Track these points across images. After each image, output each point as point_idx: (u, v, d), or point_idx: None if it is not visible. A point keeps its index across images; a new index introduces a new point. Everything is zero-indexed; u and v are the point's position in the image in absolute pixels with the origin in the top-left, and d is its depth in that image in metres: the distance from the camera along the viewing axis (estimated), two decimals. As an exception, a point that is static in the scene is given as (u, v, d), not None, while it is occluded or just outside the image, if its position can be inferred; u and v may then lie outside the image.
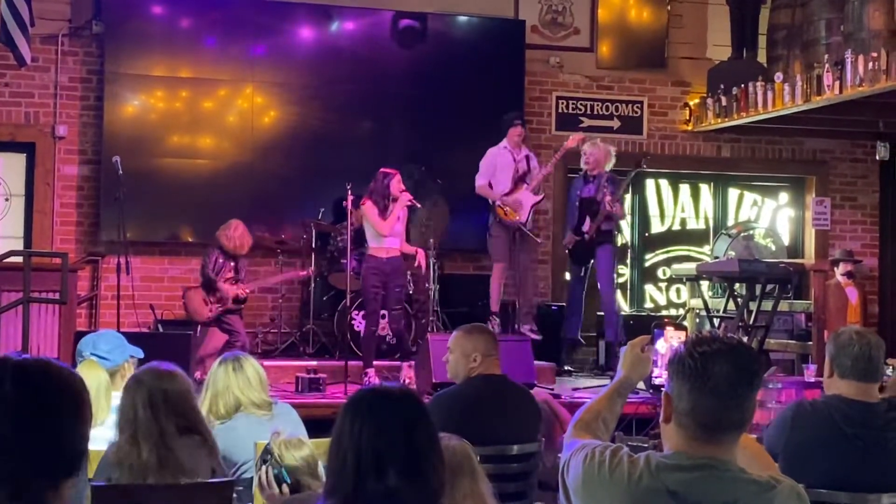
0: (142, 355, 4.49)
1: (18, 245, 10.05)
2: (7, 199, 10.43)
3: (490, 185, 9.72)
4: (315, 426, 4.55)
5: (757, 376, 2.39)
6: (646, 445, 5.73)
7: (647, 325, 3.85)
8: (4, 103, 10.22)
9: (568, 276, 10.45)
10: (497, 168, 9.69)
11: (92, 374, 4.16)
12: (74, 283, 8.31)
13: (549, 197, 10.49)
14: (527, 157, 9.83)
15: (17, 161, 10.44)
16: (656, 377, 7.17)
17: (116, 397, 3.99)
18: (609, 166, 9.78)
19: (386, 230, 8.58)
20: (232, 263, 9.07)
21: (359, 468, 2.25)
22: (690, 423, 2.34)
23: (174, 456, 3.51)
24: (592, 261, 9.84)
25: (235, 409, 4.36)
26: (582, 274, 9.98)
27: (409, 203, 8.67)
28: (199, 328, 8.99)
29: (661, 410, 2.40)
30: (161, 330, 9.27)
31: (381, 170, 8.75)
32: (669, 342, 3.37)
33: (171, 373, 3.70)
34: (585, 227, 9.76)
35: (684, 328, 3.75)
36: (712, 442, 2.34)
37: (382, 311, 8.83)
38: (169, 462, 3.50)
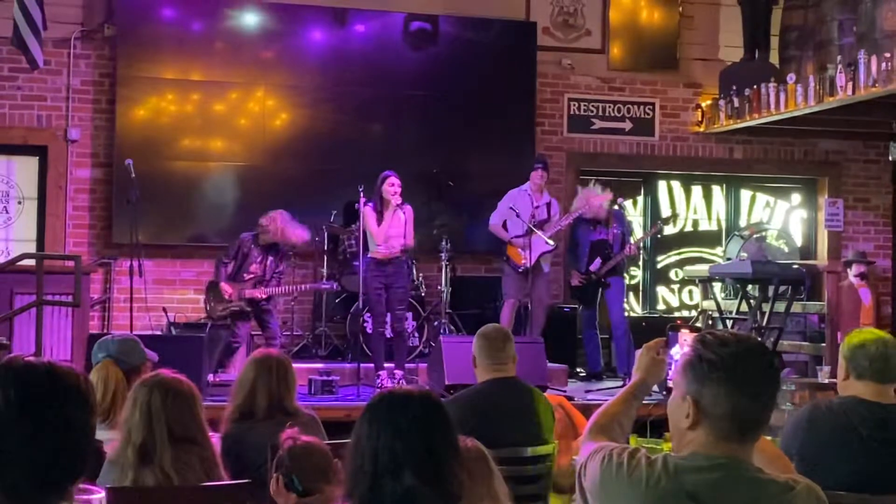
0: (157, 359, 4.51)
1: (31, 248, 10.09)
2: (20, 203, 10.46)
3: (505, 226, 9.68)
4: (328, 428, 4.56)
5: (779, 372, 2.40)
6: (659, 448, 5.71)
7: (660, 327, 3.83)
8: (17, 107, 10.25)
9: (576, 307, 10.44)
10: (514, 210, 9.58)
11: (109, 375, 4.19)
12: (87, 286, 8.33)
13: (559, 199, 10.42)
14: (548, 205, 9.77)
15: (30, 164, 10.46)
16: (671, 380, 7.19)
17: (131, 400, 4.00)
18: (606, 204, 9.88)
19: (379, 238, 8.63)
20: (259, 255, 8.94)
21: (376, 469, 2.26)
22: (729, 426, 2.31)
23: (160, 458, 3.55)
24: (601, 292, 9.93)
25: (261, 410, 4.36)
26: (590, 309, 10.03)
27: (397, 206, 8.65)
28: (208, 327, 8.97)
29: (685, 416, 2.36)
30: (174, 333, 9.27)
31: (384, 172, 8.78)
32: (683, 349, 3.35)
33: (174, 382, 3.72)
34: (594, 267, 9.80)
35: (699, 330, 3.73)
36: (741, 442, 2.33)
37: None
38: (152, 461, 3.54)
